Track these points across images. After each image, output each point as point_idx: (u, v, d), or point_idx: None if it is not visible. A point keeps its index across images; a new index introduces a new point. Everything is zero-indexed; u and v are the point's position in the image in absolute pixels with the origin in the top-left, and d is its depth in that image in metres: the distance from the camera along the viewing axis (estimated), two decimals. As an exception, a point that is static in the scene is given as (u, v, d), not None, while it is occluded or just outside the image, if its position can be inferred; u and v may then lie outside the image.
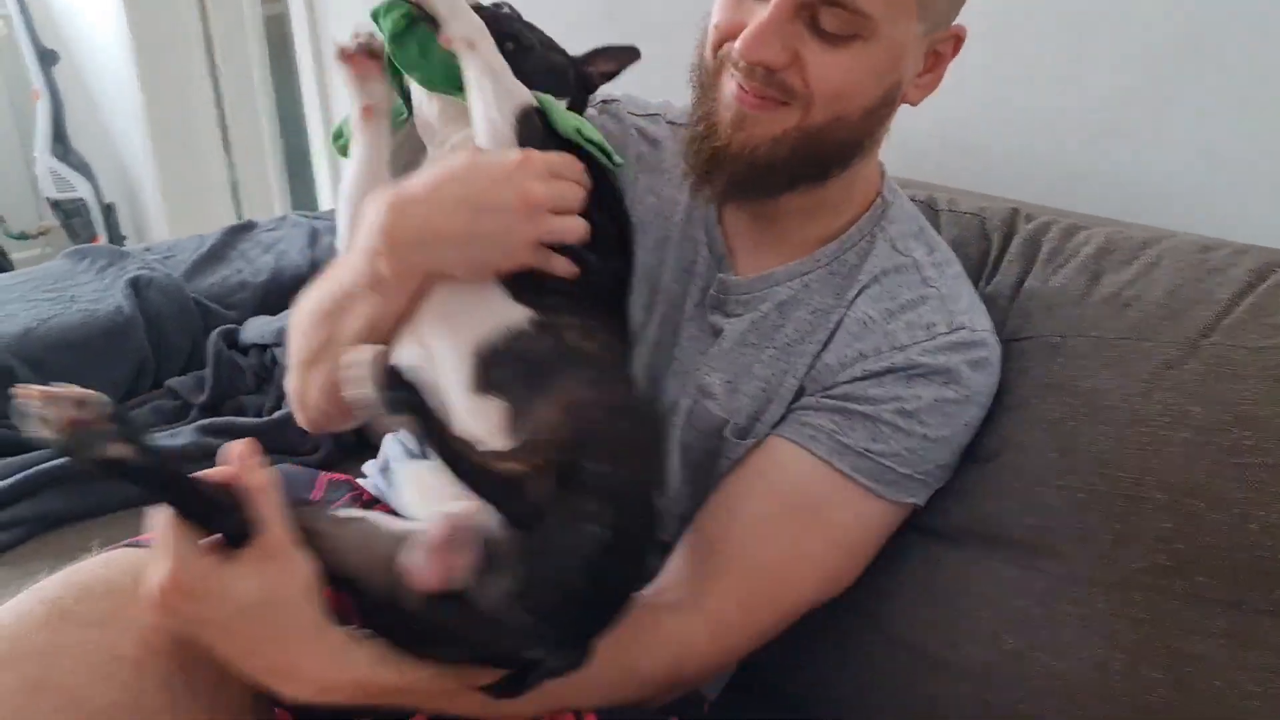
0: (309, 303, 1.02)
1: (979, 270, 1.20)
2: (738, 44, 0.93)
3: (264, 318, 1.85)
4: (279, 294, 1.95)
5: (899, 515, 1.03)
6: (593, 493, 0.76)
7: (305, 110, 3.19)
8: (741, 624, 0.98)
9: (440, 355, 0.88)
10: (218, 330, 1.80)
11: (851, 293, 1.04)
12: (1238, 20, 1.24)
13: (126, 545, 0.97)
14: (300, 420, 1.10)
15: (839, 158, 0.99)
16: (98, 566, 0.92)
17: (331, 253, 2.03)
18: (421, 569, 0.77)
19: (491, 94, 0.92)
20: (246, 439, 0.82)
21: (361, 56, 0.99)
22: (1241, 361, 0.95)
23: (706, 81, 1.00)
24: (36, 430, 0.70)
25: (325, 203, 3.32)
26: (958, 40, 1.00)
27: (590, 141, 0.96)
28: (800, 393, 1.03)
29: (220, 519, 0.78)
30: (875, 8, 0.89)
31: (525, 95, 0.95)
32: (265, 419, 1.67)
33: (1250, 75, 1.24)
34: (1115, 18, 1.33)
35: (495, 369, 0.85)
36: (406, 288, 0.92)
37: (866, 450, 0.99)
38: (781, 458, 1.00)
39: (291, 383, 1.08)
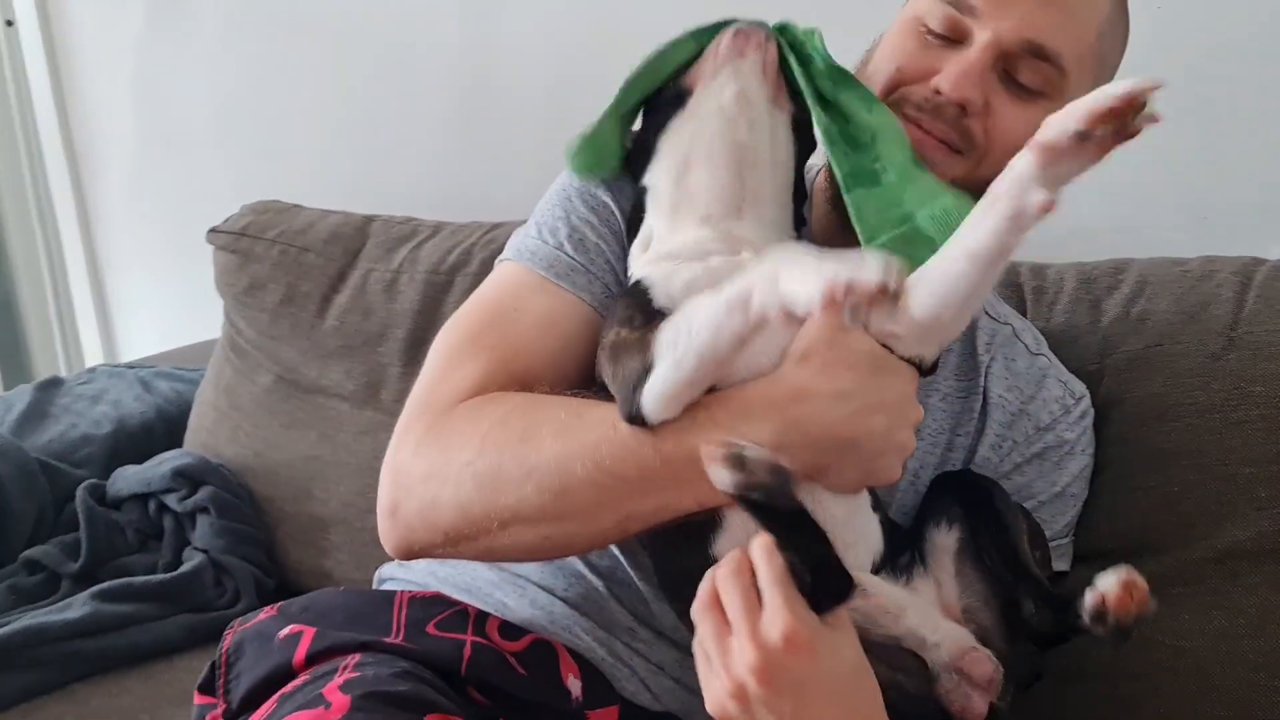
0: (558, 456, 0.83)
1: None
2: (945, 81, 0.92)
3: (134, 467, 1.61)
4: (129, 443, 1.72)
5: None
6: None
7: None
8: None
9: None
10: (84, 486, 1.55)
11: (979, 376, 1.05)
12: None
13: None
14: (396, 545, 0.92)
15: None
16: None
17: (175, 399, 1.82)
18: (974, 704, 0.83)
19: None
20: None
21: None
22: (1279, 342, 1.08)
23: None
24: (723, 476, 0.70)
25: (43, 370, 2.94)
26: None
27: None
28: None
29: (827, 581, 0.75)
30: (1072, 68, 0.93)
31: None
32: (171, 575, 1.44)
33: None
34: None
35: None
36: None
37: None
38: None
39: (447, 515, 0.87)
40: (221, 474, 1.56)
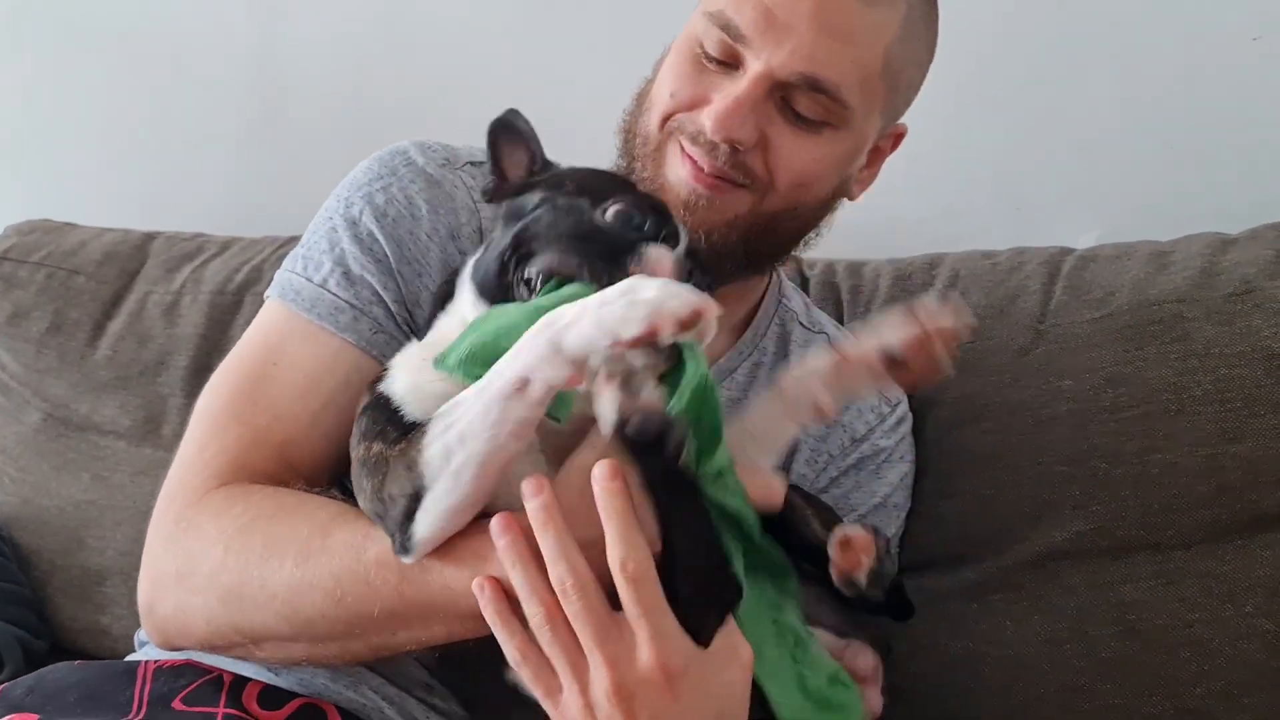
0: (298, 585, 0.76)
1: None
2: (708, 119, 0.85)
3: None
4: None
5: None
6: None
7: None
8: None
9: None
10: None
11: None
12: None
13: None
14: (158, 643, 0.88)
15: (784, 249, 0.96)
16: None
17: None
18: (871, 700, 0.80)
19: None
20: None
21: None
22: (1086, 334, 1.05)
23: (647, 154, 0.91)
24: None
25: None
26: (897, 137, 0.99)
27: None
28: None
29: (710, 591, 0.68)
30: (855, 98, 0.85)
31: None
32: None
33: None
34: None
35: None
36: None
37: None
38: None
39: (199, 626, 0.82)
40: (-22, 526, 1.40)
